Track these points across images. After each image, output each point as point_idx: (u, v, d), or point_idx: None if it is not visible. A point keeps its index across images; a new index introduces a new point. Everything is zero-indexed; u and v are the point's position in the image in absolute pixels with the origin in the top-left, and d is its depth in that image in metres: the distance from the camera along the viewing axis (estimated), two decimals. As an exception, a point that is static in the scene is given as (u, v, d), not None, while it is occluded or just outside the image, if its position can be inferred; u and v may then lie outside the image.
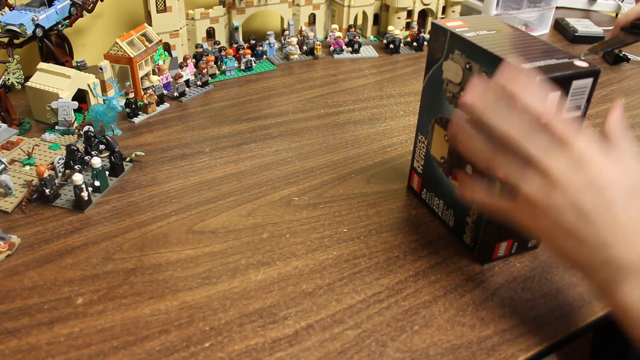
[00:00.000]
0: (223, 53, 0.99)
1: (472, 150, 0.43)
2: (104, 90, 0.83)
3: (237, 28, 1.05)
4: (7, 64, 0.77)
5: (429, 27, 1.20)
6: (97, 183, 0.63)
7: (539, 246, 0.56)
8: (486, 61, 0.47)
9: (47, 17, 0.83)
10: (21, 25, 0.79)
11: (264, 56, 1.05)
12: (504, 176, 0.41)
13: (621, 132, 0.42)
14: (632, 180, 0.39)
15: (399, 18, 1.17)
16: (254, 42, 1.04)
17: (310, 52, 1.07)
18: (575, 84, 0.45)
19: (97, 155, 0.66)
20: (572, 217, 0.39)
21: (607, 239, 0.38)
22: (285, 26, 1.10)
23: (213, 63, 0.95)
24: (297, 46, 1.06)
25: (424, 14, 1.21)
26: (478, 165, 0.43)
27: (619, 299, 0.38)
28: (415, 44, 1.13)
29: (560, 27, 1.29)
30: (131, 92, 0.81)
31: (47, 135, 0.74)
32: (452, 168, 0.56)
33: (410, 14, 1.18)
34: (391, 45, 1.11)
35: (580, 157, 0.38)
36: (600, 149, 0.39)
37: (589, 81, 0.45)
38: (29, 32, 0.80)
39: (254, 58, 1.01)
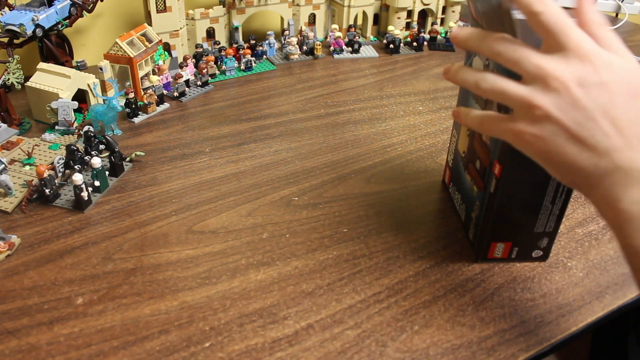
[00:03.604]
0: (223, 53, 0.99)
1: (465, 79, 0.42)
2: (104, 90, 0.83)
3: (237, 28, 1.05)
4: (7, 64, 0.77)
5: (429, 27, 1.20)
6: (97, 183, 0.63)
7: (547, 258, 0.56)
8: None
9: (47, 17, 0.83)
10: (21, 25, 0.79)
11: (264, 56, 1.06)
12: (499, 92, 0.39)
13: (604, 30, 0.40)
14: (630, 79, 0.38)
15: (399, 18, 1.17)
16: (254, 42, 1.04)
17: (310, 52, 1.07)
18: None
19: (97, 155, 0.66)
20: (575, 116, 0.37)
21: (614, 141, 0.36)
22: (285, 26, 1.10)
23: (213, 63, 0.95)
24: (297, 46, 1.06)
25: (424, 14, 1.21)
26: (475, 92, 0.42)
27: (623, 207, 0.36)
28: (415, 44, 1.13)
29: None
30: (131, 92, 0.81)
31: (47, 135, 0.74)
32: (468, 163, 0.56)
33: (410, 14, 1.18)
34: (391, 45, 1.11)
35: (577, 53, 0.37)
36: (594, 44, 0.38)
37: None
38: (29, 32, 0.80)
39: (254, 58, 1.01)
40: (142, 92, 0.85)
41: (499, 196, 0.49)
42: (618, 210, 0.37)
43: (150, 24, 0.91)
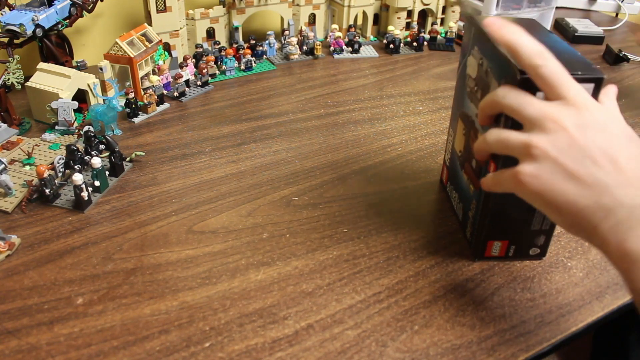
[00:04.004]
0: (223, 53, 0.99)
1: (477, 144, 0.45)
2: (104, 90, 0.83)
3: (237, 28, 1.05)
4: (7, 64, 0.77)
5: (429, 27, 1.20)
6: (97, 183, 0.63)
7: (544, 256, 0.56)
8: (494, 59, 0.47)
9: (47, 17, 0.83)
10: (21, 25, 0.79)
11: (264, 56, 1.05)
12: (503, 141, 0.41)
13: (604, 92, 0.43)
14: (626, 127, 0.39)
15: (399, 18, 1.17)
16: (254, 42, 1.04)
17: (310, 52, 1.07)
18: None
19: (97, 155, 0.66)
20: (574, 155, 0.37)
21: (615, 179, 0.36)
22: (285, 26, 1.10)
23: (213, 63, 0.95)
24: (297, 46, 1.06)
25: (424, 14, 1.21)
26: (484, 147, 0.44)
27: (629, 247, 0.35)
28: (415, 44, 1.13)
29: (560, 27, 1.29)
30: (131, 92, 0.81)
31: (47, 135, 0.74)
32: (464, 162, 0.56)
33: (410, 14, 1.18)
34: (391, 45, 1.11)
35: (575, 101, 0.38)
36: (590, 97, 0.40)
37: (589, 87, 0.43)
38: (29, 32, 0.80)
39: (254, 58, 1.01)
40: (142, 92, 0.85)
41: (494, 195, 0.49)
42: (624, 251, 0.35)
43: (150, 24, 0.91)
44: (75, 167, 0.64)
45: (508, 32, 0.42)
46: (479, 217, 0.53)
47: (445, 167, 0.65)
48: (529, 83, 0.41)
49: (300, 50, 1.07)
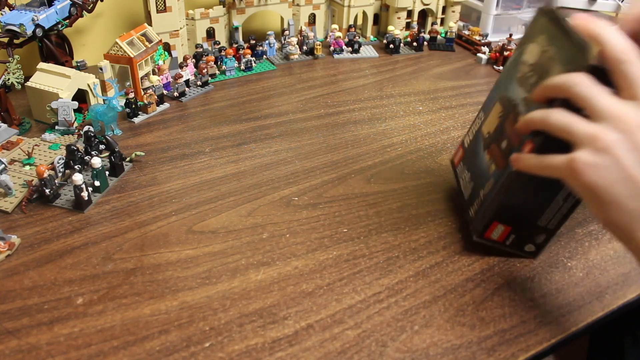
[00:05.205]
0: (223, 53, 0.99)
1: (532, 116, 0.44)
2: (104, 90, 0.83)
3: (237, 28, 1.05)
4: (7, 64, 0.77)
5: (429, 27, 1.20)
6: (97, 183, 0.63)
7: (537, 256, 0.56)
8: (564, 48, 0.47)
9: (47, 17, 0.83)
10: (21, 25, 0.79)
11: (264, 56, 1.05)
12: (566, 126, 0.41)
13: None
14: None
15: (399, 18, 1.17)
16: (254, 42, 1.04)
17: (310, 52, 1.07)
18: None
19: (97, 155, 0.66)
20: (636, 158, 0.38)
21: None
22: (285, 26, 1.10)
23: (213, 63, 0.95)
24: (297, 46, 1.06)
25: (424, 14, 1.21)
26: (542, 127, 0.44)
27: None
28: (415, 44, 1.13)
29: (560, 27, 1.29)
30: (131, 92, 0.81)
31: (47, 135, 0.74)
32: (491, 143, 0.56)
33: (410, 14, 1.18)
34: (391, 45, 1.11)
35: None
36: None
37: None
38: (29, 32, 0.80)
39: (254, 58, 1.01)
40: (142, 92, 0.85)
41: (519, 175, 0.49)
42: None
43: (150, 24, 0.91)
44: (75, 167, 0.64)
45: (597, 26, 0.42)
46: (493, 195, 0.52)
47: (461, 148, 0.65)
48: (598, 72, 0.41)
49: (300, 50, 1.07)
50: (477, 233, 0.55)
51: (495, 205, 0.52)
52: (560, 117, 0.42)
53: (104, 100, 0.80)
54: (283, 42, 1.07)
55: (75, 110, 0.77)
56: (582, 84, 0.41)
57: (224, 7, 1.02)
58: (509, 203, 0.52)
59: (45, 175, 0.60)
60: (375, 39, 1.20)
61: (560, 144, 0.42)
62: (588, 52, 0.42)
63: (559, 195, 0.50)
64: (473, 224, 0.56)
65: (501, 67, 1.05)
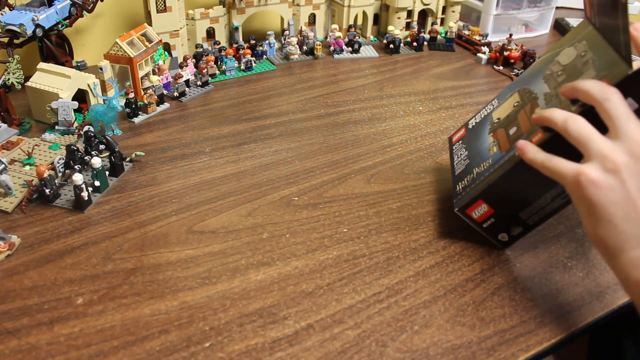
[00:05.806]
0: (223, 53, 0.99)
1: (553, 115, 0.45)
2: (104, 90, 0.83)
3: (237, 28, 1.05)
4: (7, 64, 0.77)
5: (429, 27, 1.20)
6: (97, 183, 0.63)
7: (506, 247, 0.57)
8: (604, 56, 0.47)
9: (47, 17, 0.83)
10: (21, 25, 0.79)
11: (264, 56, 1.05)
12: (585, 137, 0.41)
13: None
14: None
15: (399, 18, 1.17)
16: (254, 42, 1.04)
17: (310, 52, 1.07)
18: None
19: (97, 155, 0.66)
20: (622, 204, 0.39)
21: None
22: (285, 26, 1.10)
23: (213, 63, 0.95)
24: (297, 46, 1.06)
25: (424, 14, 1.21)
26: (559, 130, 0.44)
27: None
28: (415, 44, 1.13)
29: (560, 27, 1.29)
30: (131, 92, 0.81)
31: (47, 135, 0.74)
32: (499, 128, 0.57)
33: (410, 14, 1.18)
34: (391, 45, 1.11)
35: None
36: None
37: None
38: (29, 32, 0.80)
39: (254, 58, 1.01)
40: (142, 92, 0.85)
41: (519, 162, 0.49)
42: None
43: (150, 24, 0.91)
44: (75, 167, 0.64)
45: None
46: (488, 174, 0.53)
47: (464, 128, 0.65)
48: (630, 85, 0.42)
49: (300, 50, 1.07)
50: (460, 206, 0.55)
51: (485, 184, 0.53)
52: (579, 127, 0.42)
53: (104, 100, 0.80)
54: (283, 42, 1.07)
55: (75, 110, 0.77)
56: (614, 100, 0.41)
57: (224, 7, 1.02)
58: (500, 185, 0.52)
59: (45, 175, 0.60)
60: (375, 39, 1.20)
61: (568, 143, 0.43)
62: (628, 64, 0.43)
63: (549, 194, 0.51)
64: (458, 198, 0.56)
65: (501, 67, 1.05)
